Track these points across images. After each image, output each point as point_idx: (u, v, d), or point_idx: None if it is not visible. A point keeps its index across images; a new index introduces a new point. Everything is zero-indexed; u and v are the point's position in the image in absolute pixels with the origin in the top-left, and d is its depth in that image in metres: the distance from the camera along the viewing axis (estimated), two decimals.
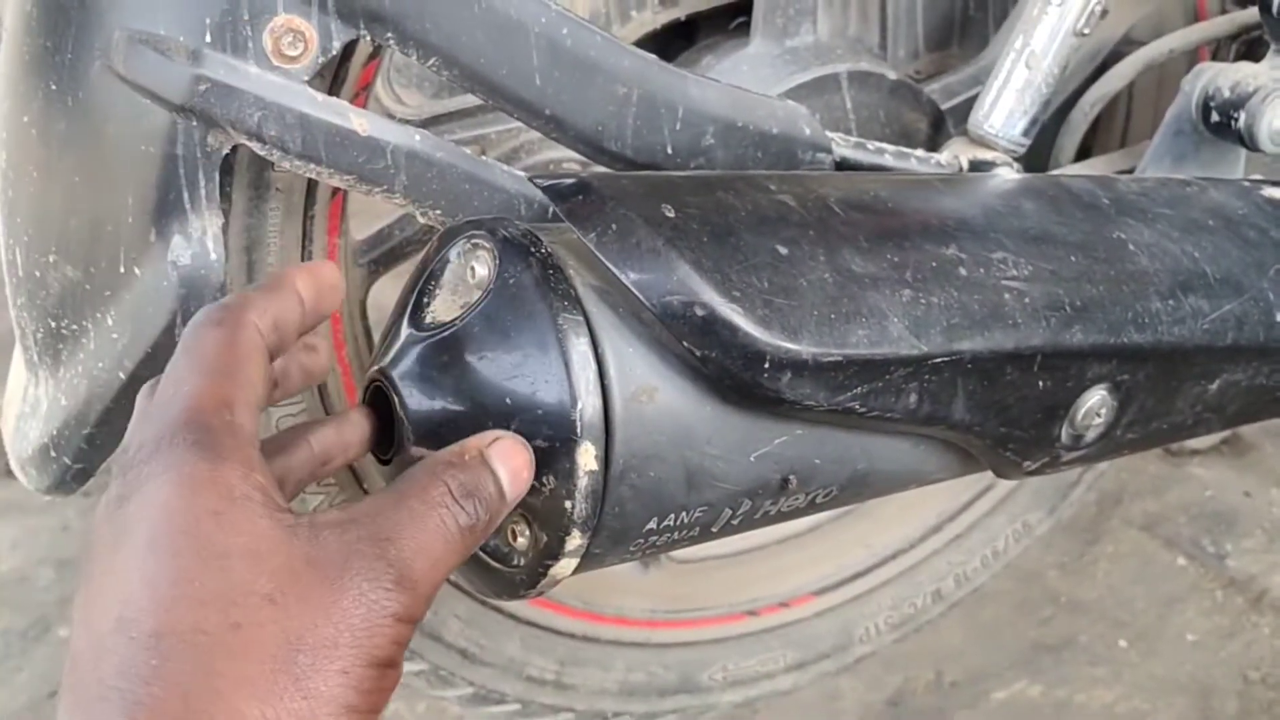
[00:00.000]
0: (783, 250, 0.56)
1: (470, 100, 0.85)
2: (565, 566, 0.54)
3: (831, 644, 1.17)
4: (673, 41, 0.98)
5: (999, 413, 0.62)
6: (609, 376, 0.52)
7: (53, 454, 0.71)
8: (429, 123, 0.85)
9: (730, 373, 0.53)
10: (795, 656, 1.16)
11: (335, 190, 0.76)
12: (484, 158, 0.69)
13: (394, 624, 0.42)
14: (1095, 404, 0.66)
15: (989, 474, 0.70)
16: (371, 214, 0.87)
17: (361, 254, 0.86)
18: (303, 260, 0.74)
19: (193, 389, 0.45)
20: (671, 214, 0.54)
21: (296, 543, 0.42)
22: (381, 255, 0.86)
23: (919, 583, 1.20)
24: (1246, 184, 0.80)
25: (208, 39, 0.60)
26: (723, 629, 1.12)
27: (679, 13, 0.94)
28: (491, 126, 0.87)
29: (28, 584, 1.50)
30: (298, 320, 0.52)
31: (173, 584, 0.40)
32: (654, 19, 0.93)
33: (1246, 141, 0.83)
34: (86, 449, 0.69)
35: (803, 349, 0.54)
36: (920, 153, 0.78)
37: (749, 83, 0.85)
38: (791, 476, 0.59)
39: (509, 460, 0.49)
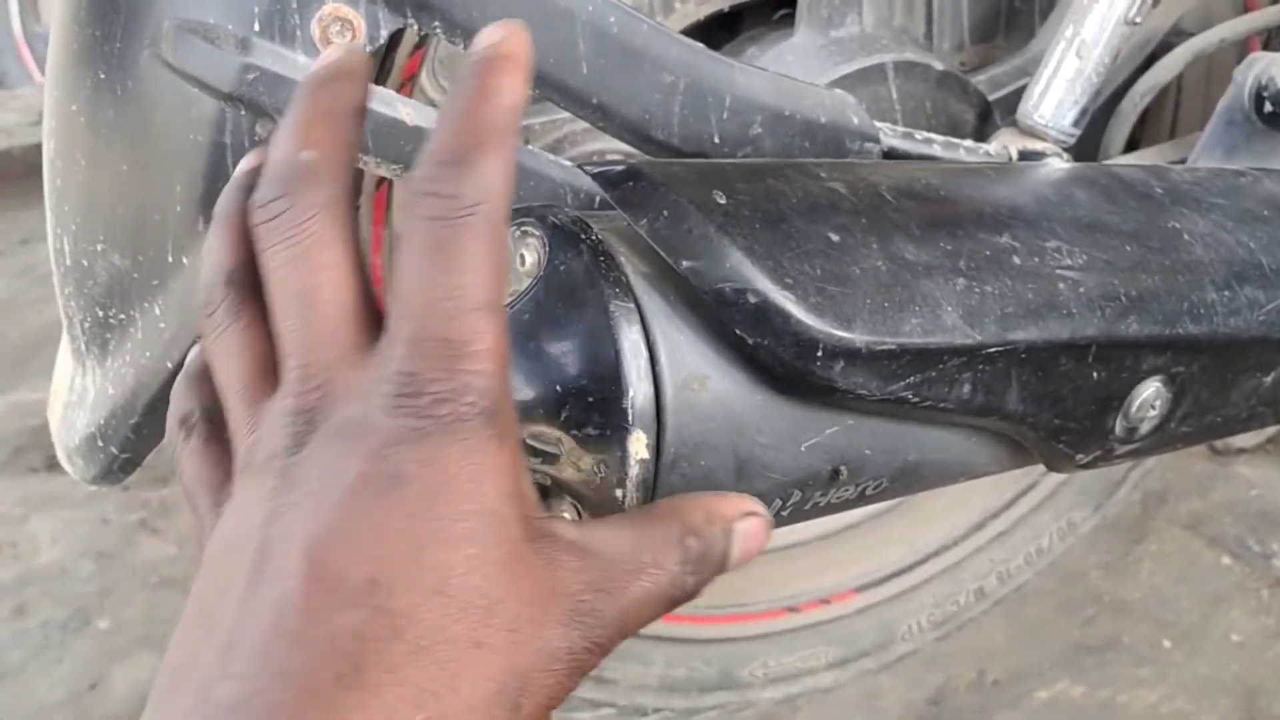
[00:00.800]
0: (835, 238, 0.55)
1: None
2: None
3: (873, 641, 1.16)
4: (715, 33, 0.97)
5: (1053, 404, 0.61)
6: (660, 364, 0.51)
7: (100, 443, 0.71)
8: None
9: (783, 361, 0.52)
10: (836, 653, 1.15)
11: (380, 180, 0.76)
12: (530, 147, 0.69)
13: (577, 677, 0.40)
14: (1150, 396, 0.65)
15: (1033, 471, 0.69)
16: None
17: None
18: None
19: (477, 329, 0.39)
20: (723, 200, 0.53)
21: (542, 567, 0.40)
22: None
23: (961, 580, 1.19)
24: None
25: (256, 28, 0.60)
26: (763, 625, 1.11)
27: (722, 4, 0.93)
28: (536, 118, 0.86)
29: (67, 576, 1.51)
30: None
31: (434, 570, 0.37)
32: (697, 10, 0.93)
33: None
34: (133, 438, 0.70)
35: (856, 337, 0.53)
36: (969, 143, 0.77)
37: (794, 74, 0.84)
38: (842, 467, 0.58)
39: (749, 542, 0.46)
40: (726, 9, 0.94)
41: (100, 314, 0.68)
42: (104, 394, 0.70)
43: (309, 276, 0.42)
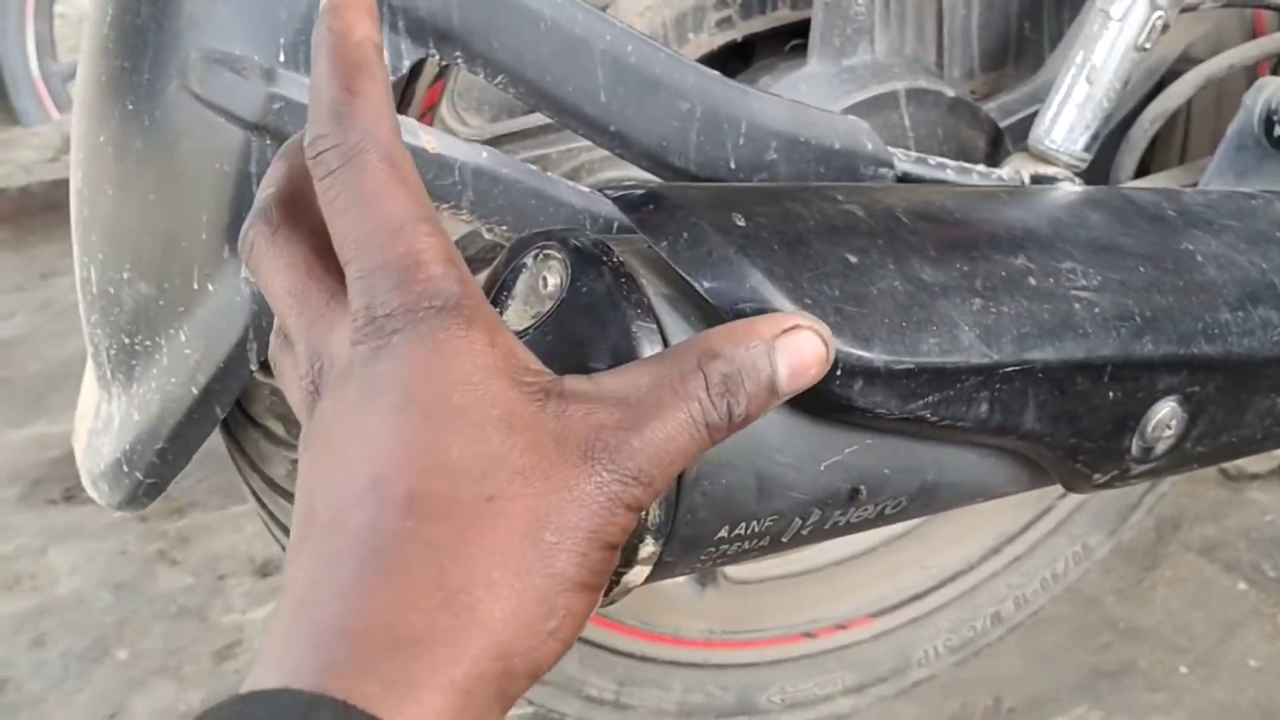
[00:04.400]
0: (853, 259, 0.56)
1: (531, 121, 0.86)
2: (638, 574, 0.54)
3: (890, 667, 1.17)
4: (729, 62, 0.98)
5: (1069, 423, 0.62)
6: None
7: (125, 469, 0.72)
8: (491, 143, 0.85)
9: None
10: (853, 679, 1.15)
11: None
12: (548, 174, 0.70)
13: (625, 512, 0.43)
14: (1165, 416, 0.66)
15: (1049, 494, 0.70)
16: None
17: None
18: None
19: (418, 247, 0.42)
20: (742, 223, 0.54)
21: (546, 419, 0.42)
22: None
23: (978, 605, 1.19)
24: None
25: (281, 58, 0.62)
26: (780, 650, 1.11)
27: (736, 34, 0.95)
28: (553, 147, 0.87)
29: (86, 606, 1.52)
30: None
31: (429, 450, 0.40)
32: (711, 41, 0.94)
33: None
34: (158, 464, 0.71)
35: (874, 356, 0.54)
36: (981, 168, 0.78)
37: (808, 101, 0.85)
38: (861, 486, 0.58)
39: (796, 357, 0.46)
40: (739, 39, 0.95)
41: (126, 341, 0.69)
42: (129, 420, 0.71)
43: (360, 205, 0.43)
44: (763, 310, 0.52)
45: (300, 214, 0.47)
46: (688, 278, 0.52)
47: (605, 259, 0.54)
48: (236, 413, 0.77)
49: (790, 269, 0.53)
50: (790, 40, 0.97)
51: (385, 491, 0.39)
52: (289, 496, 0.79)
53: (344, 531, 0.39)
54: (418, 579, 0.38)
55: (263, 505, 0.82)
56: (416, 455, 0.40)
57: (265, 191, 0.48)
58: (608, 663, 1.00)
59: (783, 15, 0.96)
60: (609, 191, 0.57)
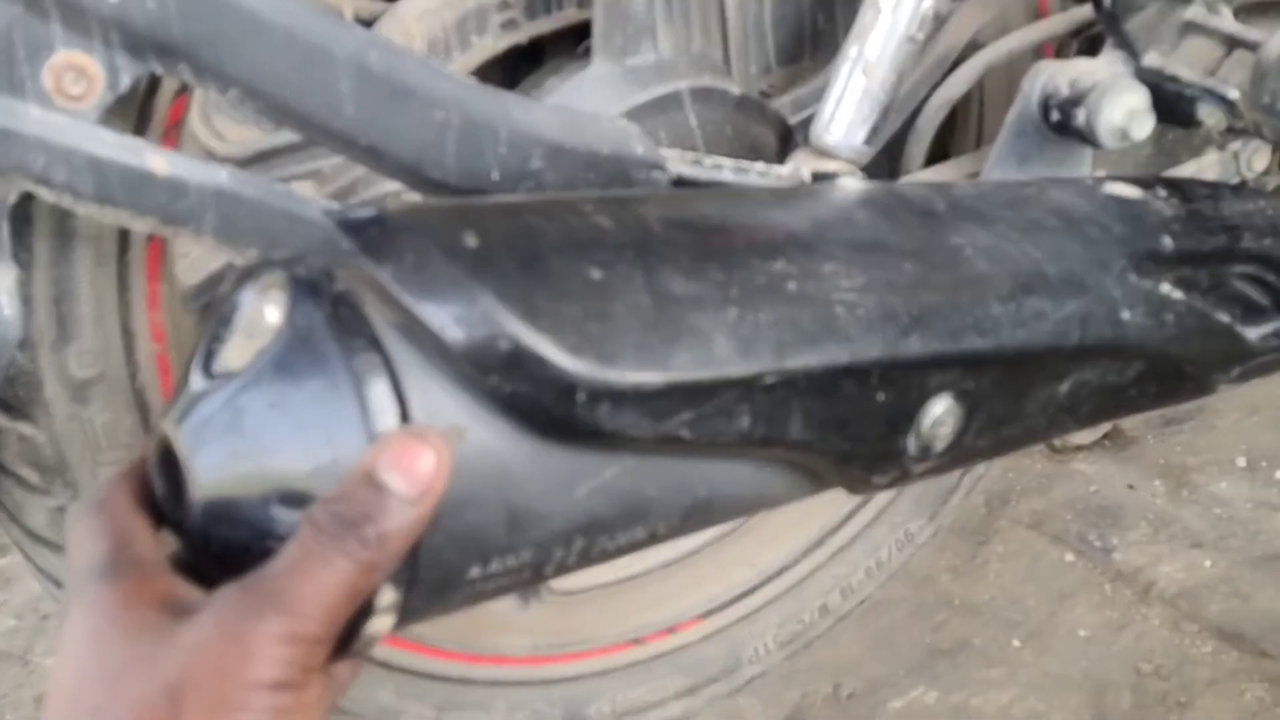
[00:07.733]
0: (596, 274, 0.53)
1: None
2: (381, 624, 0.51)
3: (721, 667, 1.15)
4: (519, 66, 0.95)
5: (839, 429, 0.61)
6: (413, 420, 0.49)
7: None
8: (256, 159, 0.81)
9: (543, 407, 0.50)
10: (685, 682, 1.14)
11: (152, 234, 0.72)
12: (300, 194, 0.66)
13: (274, 643, 0.45)
14: (941, 413, 0.65)
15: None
16: (205, 258, 0.83)
17: (193, 300, 0.82)
18: (119, 309, 0.71)
19: (95, 546, 0.50)
20: (473, 243, 0.51)
21: (177, 616, 0.46)
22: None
23: (805, 598, 1.18)
24: (1089, 182, 0.80)
25: None
26: (608, 660, 1.09)
27: (521, 37, 0.91)
28: (325, 160, 0.83)
29: None
30: None
31: (70, 678, 0.47)
32: (495, 44, 0.91)
33: (1088, 138, 0.82)
34: None
35: (620, 376, 0.51)
36: (760, 166, 0.76)
37: (591, 104, 0.83)
38: (627, 510, 0.56)
39: (399, 463, 0.47)
40: (525, 42, 0.92)
41: None
42: None
43: None
44: (493, 336, 0.49)
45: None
46: (409, 306, 0.49)
47: (326, 288, 0.50)
48: None
49: (525, 290, 0.51)
50: (582, 41, 0.94)
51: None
52: (51, 546, 0.74)
53: None
54: None
55: (27, 557, 0.77)
56: (63, 689, 0.47)
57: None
58: (425, 689, 0.97)
59: (570, 15, 0.93)
60: (330, 213, 0.53)
